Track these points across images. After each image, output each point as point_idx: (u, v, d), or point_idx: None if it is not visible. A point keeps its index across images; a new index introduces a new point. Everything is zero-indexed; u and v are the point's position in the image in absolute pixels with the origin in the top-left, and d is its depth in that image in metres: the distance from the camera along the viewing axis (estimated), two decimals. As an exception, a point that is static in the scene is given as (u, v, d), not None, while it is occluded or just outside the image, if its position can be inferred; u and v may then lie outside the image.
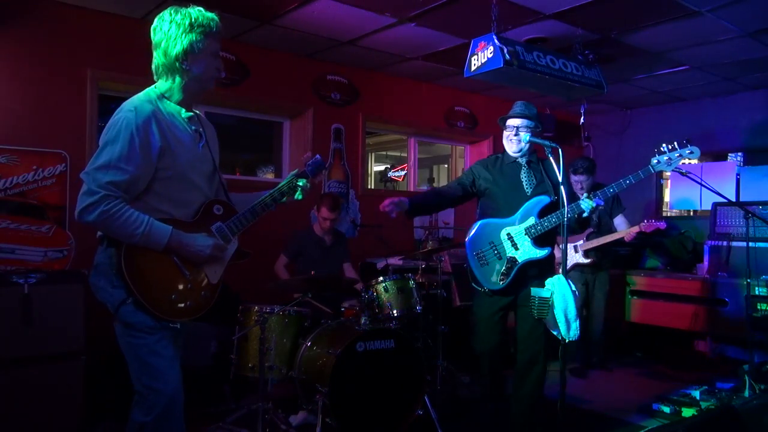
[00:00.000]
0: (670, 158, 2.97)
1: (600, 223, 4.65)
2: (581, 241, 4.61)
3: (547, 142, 2.83)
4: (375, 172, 9.48)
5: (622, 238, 4.51)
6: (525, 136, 3.03)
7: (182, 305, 2.06)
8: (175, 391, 2.04)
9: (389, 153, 9.60)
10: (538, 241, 3.06)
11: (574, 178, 4.62)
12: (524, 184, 3.15)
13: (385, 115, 5.88)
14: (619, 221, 4.72)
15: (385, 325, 3.56)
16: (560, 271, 2.71)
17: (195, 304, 2.10)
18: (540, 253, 3.06)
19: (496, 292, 3.11)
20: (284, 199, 2.32)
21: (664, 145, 2.99)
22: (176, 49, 1.99)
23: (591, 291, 4.82)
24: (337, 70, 5.46)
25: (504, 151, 3.27)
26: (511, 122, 3.18)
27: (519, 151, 3.17)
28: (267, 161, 5.72)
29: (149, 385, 2.02)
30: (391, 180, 8.54)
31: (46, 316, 3.28)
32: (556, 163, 2.72)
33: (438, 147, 7.97)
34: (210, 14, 2.05)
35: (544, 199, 3.11)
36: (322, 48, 5.01)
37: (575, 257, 4.62)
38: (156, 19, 2.04)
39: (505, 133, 3.20)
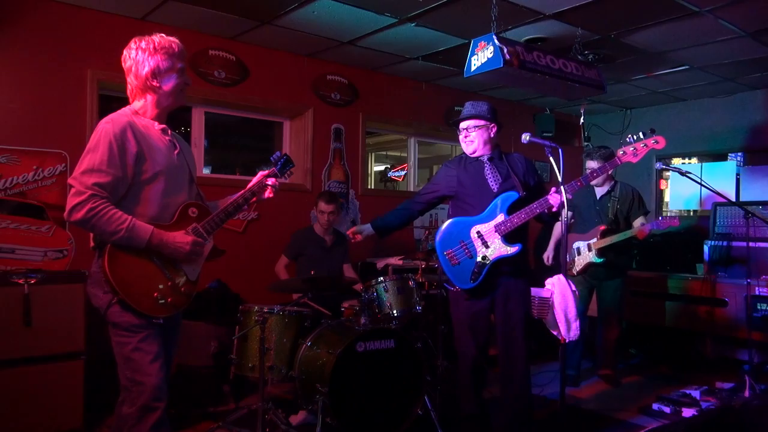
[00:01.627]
0: (635, 148, 2.92)
1: (618, 223, 4.43)
2: (594, 239, 4.39)
3: (547, 142, 2.83)
4: (375, 172, 9.47)
5: (636, 236, 4.29)
6: (526, 135, 3.01)
7: (164, 302, 2.22)
8: (157, 385, 2.19)
9: (389, 153, 9.59)
10: (509, 237, 3.05)
11: (589, 164, 4.49)
12: (489, 181, 3.15)
13: (385, 115, 5.88)
14: (639, 223, 4.42)
15: (385, 325, 3.55)
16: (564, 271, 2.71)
17: (176, 301, 2.26)
18: (511, 249, 3.04)
19: (468, 291, 3.09)
20: (254, 198, 2.51)
21: (629, 136, 2.95)
22: (145, 70, 2.23)
23: (600, 294, 4.56)
24: (337, 70, 5.46)
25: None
26: (461, 125, 3.23)
27: (473, 152, 3.21)
28: (267, 161, 5.71)
29: (132, 378, 2.19)
30: (391, 180, 8.53)
31: (46, 316, 3.29)
32: (556, 163, 2.71)
33: (438, 147, 7.97)
34: (171, 38, 2.30)
35: (512, 195, 3.10)
36: (322, 48, 5.01)
37: (588, 256, 4.39)
38: (124, 51, 2.28)
39: (460, 136, 3.25)
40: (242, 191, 2.49)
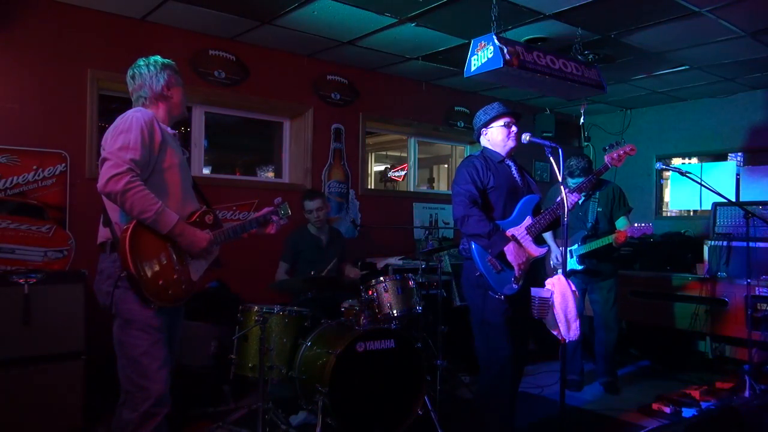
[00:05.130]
0: (618, 155, 3.17)
1: (597, 227, 4.36)
2: (576, 245, 4.32)
3: (547, 142, 2.83)
4: (375, 172, 9.47)
5: (612, 243, 4.18)
6: (526, 135, 3.01)
7: (166, 292, 2.28)
8: (161, 393, 2.23)
9: (389, 153, 9.60)
10: (537, 239, 3.07)
11: (571, 180, 4.29)
12: (519, 183, 3.15)
13: (385, 115, 5.88)
14: (622, 225, 4.33)
15: (385, 325, 3.55)
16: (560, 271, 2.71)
17: (176, 293, 2.33)
18: (542, 251, 3.06)
19: (509, 296, 2.99)
20: (254, 228, 2.68)
21: (607, 145, 3.27)
22: (160, 83, 2.45)
23: (591, 297, 4.47)
24: (337, 70, 5.46)
25: (481, 151, 3.22)
26: (509, 118, 3.15)
27: (510, 149, 3.16)
28: (267, 161, 5.72)
29: (138, 383, 2.22)
30: (391, 180, 8.54)
31: (46, 316, 3.30)
32: (556, 164, 2.71)
33: (438, 147, 7.97)
34: (168, 59, 2.54)
35: (535, 198, 3.11)
36: (322, 48, 5.01)
37: (569, 263, 4.27)
38: (130, 70, 2.48)
39: (503, 131, 3.13)
40: (250, 218, 2.67)
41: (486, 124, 3.19)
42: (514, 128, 3.15)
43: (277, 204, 2.80)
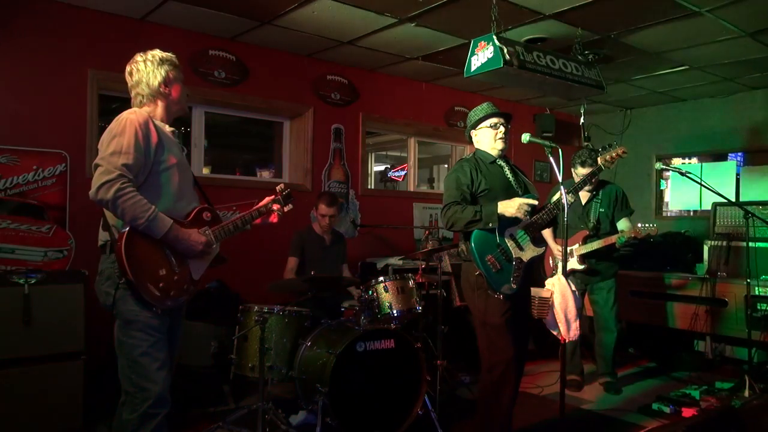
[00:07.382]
0: (611, 156, 3.28)
1: (599, 227, 4.35)
2: (576, 245, 4.29)
3: (547, 143, 2.83)
4: (375, 172, 9.47)
5: (614, 243, 4.17)
6: (526, 136, 3.01)
7: (168, 294, 2.26)
8: (161, 394, 2.22)
9: (389, 153, 9.60)
10: (536, 239, 3.06)
11: (581, 170, 4.26)
12: (513, 183, 3.12)
13: (385, 115, 5.88)
14: (624, 226, 4.31)
15: (385, 325, 3.55)
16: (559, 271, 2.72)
17: (177, 295, 2.31)
18: (541, 250, 3.05)
19: (509, 296, 2.97)
20: (258, 218, 2.66)
21: (600, 147, 3.37)
22: (157, 79, 2.39)
23: (591, 297, 4.46)
24: (337, 70, 5.46)
25: (473, 153, 3.21)
26: (496, 119, 3.11)
27: (501, 149, 3.14)
28: (267, 161, 5.72)
29: (138, 383, 2.22)
30: (391, 180, 8.54)
31: (46, 316, 3.30)
32: (556, 164, 2.71)
33: (438, 147, 7.97)
34: (169, 52, 2.47)
35: (532, 197, 3.10)
36: (322, 48, 5.01)
37: (570, 262, 4.25)
38: (128, 66, 2.42)
39: (490, 132, 3.12)
40: (250, 210, 2.64)
41: (474, 126, 3.18)
42: (501, 128, 3.12)
43: (280, 191, 2.76)
